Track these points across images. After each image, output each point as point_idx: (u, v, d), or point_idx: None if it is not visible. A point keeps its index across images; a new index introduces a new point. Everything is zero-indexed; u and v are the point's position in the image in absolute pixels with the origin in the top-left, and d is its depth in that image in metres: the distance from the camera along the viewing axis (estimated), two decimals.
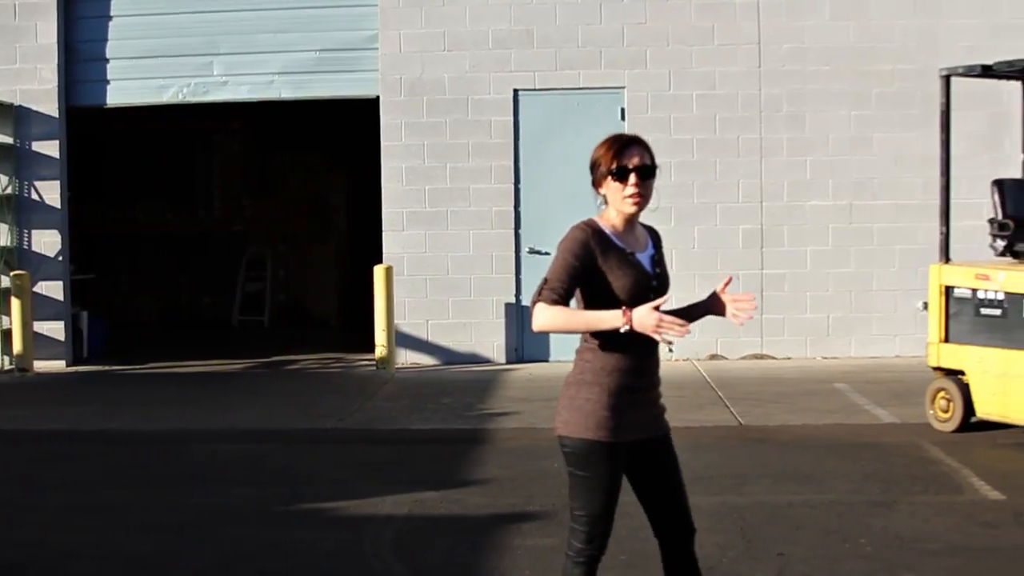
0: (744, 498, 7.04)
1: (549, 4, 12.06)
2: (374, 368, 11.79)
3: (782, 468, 7.75)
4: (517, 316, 12.20)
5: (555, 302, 4.02)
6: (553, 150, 12.12)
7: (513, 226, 12.14)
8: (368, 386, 11.16)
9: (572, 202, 12.23)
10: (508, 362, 12.16)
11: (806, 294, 12.11)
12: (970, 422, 8.48)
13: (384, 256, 12.15)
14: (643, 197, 4.10)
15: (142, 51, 12.32)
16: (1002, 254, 8.54)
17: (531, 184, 12.16)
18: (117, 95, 12.46)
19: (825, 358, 12.03)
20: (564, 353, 12.24)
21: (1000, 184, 8.64)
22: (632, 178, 4.05)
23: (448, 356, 12.19)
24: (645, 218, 4.27)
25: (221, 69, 12.28)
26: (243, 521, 6.77)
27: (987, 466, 7.62)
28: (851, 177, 11.99)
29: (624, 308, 3.95)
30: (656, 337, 3.90)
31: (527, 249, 12.18)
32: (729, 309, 4.21)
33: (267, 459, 8.35)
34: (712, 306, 4.26)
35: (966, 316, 8.48)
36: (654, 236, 4.28)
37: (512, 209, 12.14)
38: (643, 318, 3.90)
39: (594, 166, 4.14)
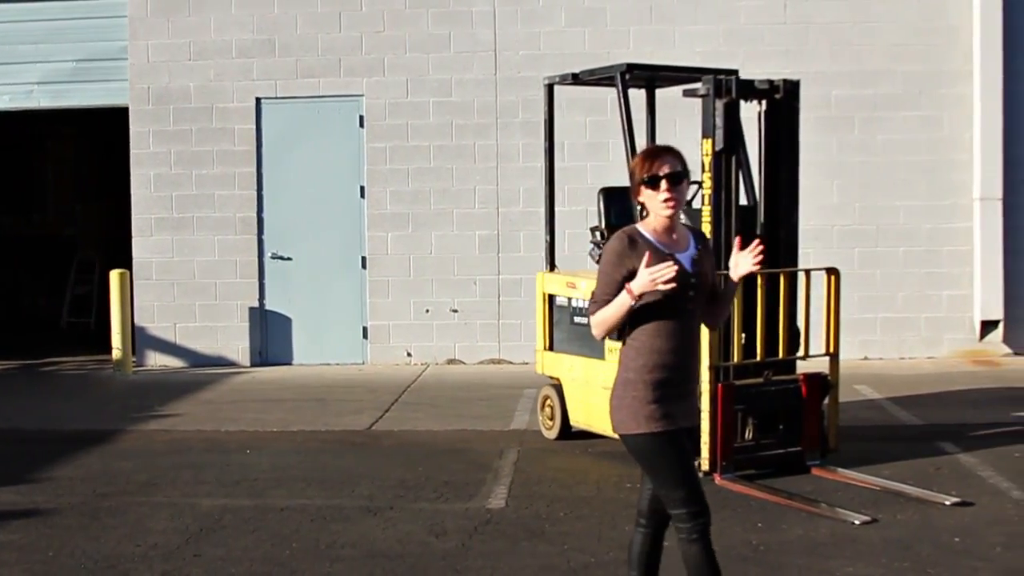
0: (255, 500, 7.19)
1: (290, 14, 12.27)
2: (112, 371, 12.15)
3: (339, 472, 7.86)
4: (261, 320, 12.44)
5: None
6: (295, 157, 12.35)
7: (256, 232, 12.37)
8: (87, 388, 11.50)
9: (314, 208, 12.53)
10: (252, 365, 12.40)
11: None
12: (572, 431, 8.55)
13: (134, 261, 12.47)
14: (677, 201, 4.37)
15: None
16: (598, 262, 8.56)
17: (274, 191, 12.37)
18: None
19: None
20: (306, 357, 12.61)
21: (606, 192, 8.69)
22: (663, 184, 4.32)
23: (195, 359, 12.45)
24: None
25: None
26: None
27: (540, 475, 7.67)
28: (587, 183, 11.97)
29: (627, 287, 4.25)
30: (661, 287, 4.18)
31: (270, 254, 12.40)
32: (744, 268, 4.46)
33: None
34: (733, 275, 4.55)
35: (563, 324, 8.54)
36: (698, 237, 4.56)
37: (255, 215, 12.37)
38: (640, 282, 4.21)
39: (631, 177, 4.47)
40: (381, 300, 12.29)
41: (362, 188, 12.30)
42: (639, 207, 4.46)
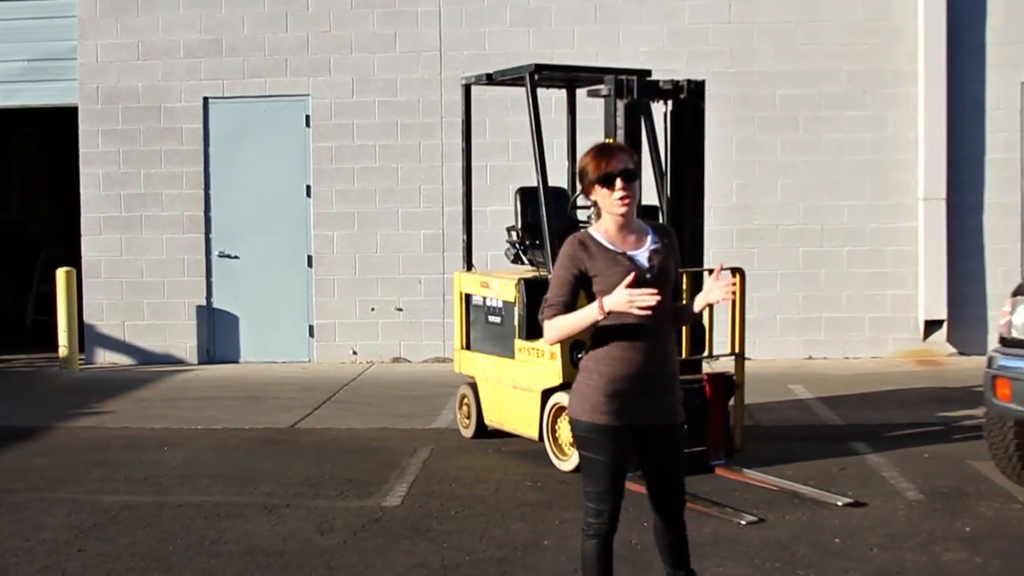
0: (156, 497, 7.26)
1: (237, 14, 12.34)
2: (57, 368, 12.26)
3: (248, 470, 7.91)
4: (208, 318, 12.52)
5: (554, 315, 4.42)
6: (242, 156, 12.43)
7: (204, 231, 12.45)
8: (30, 385, 11.61)
9: (261, 207, 12.60)
10: (200, 362, 12.48)
11: None
12: (488, 430, 8.58)
13: (83, 259, 12.56)
14: (631, 198, 4.38)
15: None
16: (514, 261, 8.61)
17: (221, 190, 12.46)
18: None
19: None
20: (253, 355, 12.68)
21: (523, 192, 8.72)
22: (618, 182, 4.34)
23: (144, 356, 12.53)
24: None
25: None
26: None
27: (444, 474, 7.70)
28: (531, 182, 12.02)
29: (599, 300, 4.28)
30: (635, 311, 4.20)
31: (217, 253, 12.49)
32: (716, 295, 4.43)
33: None
34: (697, 304, 4.57)
35: (479, 323, 8.58)
36: (659, 231, 4.55)
37: (203, 214, 12.45)
38: (615, 300, 4.24)
39: (582, 175, 4.45)
40: (327, 299, 12.36)
41: (308, 187, 12.37)
42: (592, 206, 4.47)
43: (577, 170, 4.51)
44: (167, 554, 6.14)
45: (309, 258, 12.40)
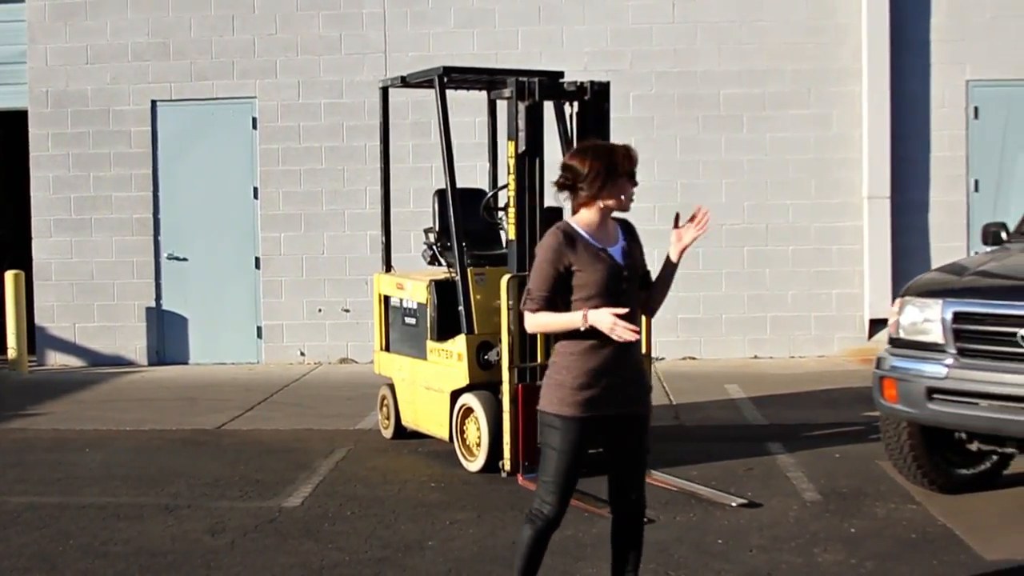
0: (63, 498, 7.33)
1: (185, 17, 12.42)
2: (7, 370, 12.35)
3: (161, 471, 7.97)
4: (157, 320, 12.61)
5: (537, 310, 4.55)
6: (190, 159, 12.52)
7: (153, 233, 12.54)
8: None
9: (209, 209, 12.68)
10: (150, 364, 12.57)
11: None
12: (406, 431, 8.62)
13: (34, 262, 12.67)
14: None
15: None
16: (430, 262, 8.65)
17: (170, 192, 12.56)
18: None
19: None
20: (203, 356, 12.77)
21: (440, 194, 8.75)
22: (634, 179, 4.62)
23: (94, 358, 12.62)
24: None
25: None
26: None
27: (352, 474, 7.76)
28: (474, 182, 12.05)
29: (584, 311, 4.42)
30: (612, 336, 4.37)
31: (166, 255, 12.58)
32: (690, 235, 4.63)
33: None
34: (673, 254, 4.68)
35: (396, 325, 8.64)
36: (626, 228, 4.72)
37: (152, 216, 12.54)
38: (599, 320, 4.39)
39: (610, 169, 4.47)
40: (275, 300, 12.44)
41: (255, 189, 12.46)
42: (596, 198, 4.50)
43: (594, 164, 4.47)
44: (55, 555, 6.20)
45: (257, 259, 12.48)
